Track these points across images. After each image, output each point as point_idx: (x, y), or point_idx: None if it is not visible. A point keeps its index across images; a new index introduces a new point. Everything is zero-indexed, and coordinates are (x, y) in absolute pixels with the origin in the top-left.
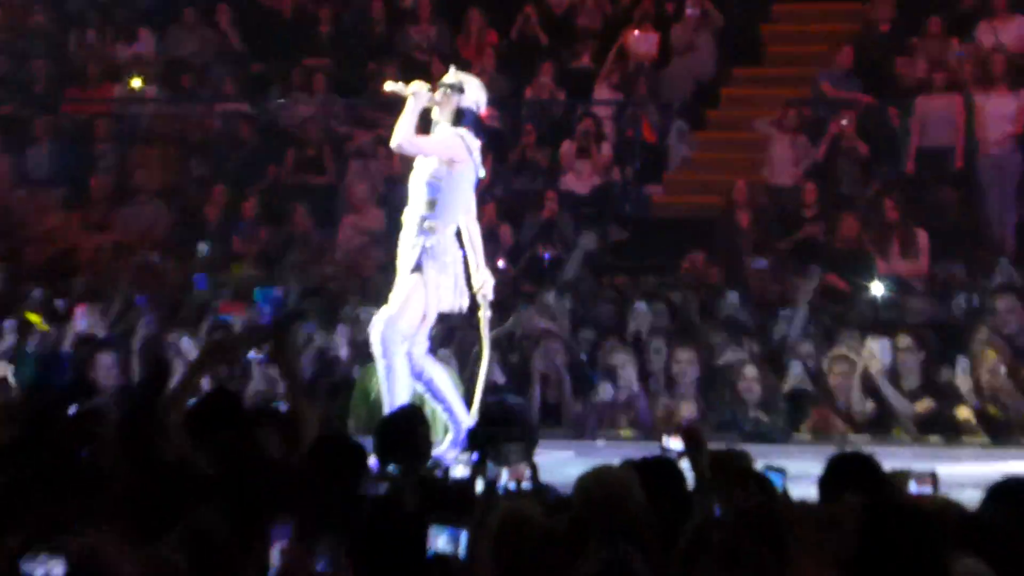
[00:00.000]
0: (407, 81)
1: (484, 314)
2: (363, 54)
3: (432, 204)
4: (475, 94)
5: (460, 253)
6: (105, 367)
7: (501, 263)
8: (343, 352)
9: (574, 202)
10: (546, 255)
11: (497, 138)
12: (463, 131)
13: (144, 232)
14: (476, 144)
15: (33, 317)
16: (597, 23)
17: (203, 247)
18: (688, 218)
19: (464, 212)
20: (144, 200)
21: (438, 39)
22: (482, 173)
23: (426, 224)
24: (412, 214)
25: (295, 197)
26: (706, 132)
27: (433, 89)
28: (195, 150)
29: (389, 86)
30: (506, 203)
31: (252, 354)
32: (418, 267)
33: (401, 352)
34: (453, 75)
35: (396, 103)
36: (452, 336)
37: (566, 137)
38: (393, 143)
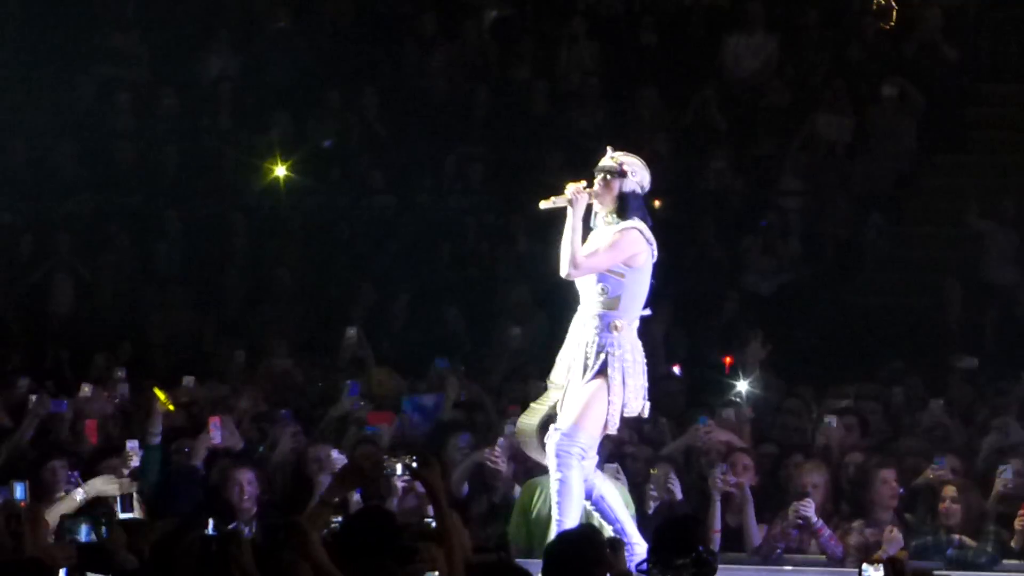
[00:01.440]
0: (568, 176)
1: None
2: (523, 139)
3: (615, 302)
4: (638, 174)
5: (643, 353)
6: (242, 485)
7: (676, 369)
8: (503, 468)
9: (758, 303)
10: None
11: (671, 230)
12: (638, 222)
13: (281, 335)
14: (649, 231)
15: (160, 394)
16: (783, 102)
17: (351, 332)
18: (884, 320)
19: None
20: (282, 299)
21: (606, 121)
22: (652, 259)
23: (612, 324)
24: (588, 312)
25: (448, 297)
26: (905, 226)
27: (590, 185)
28: (339, 246)
29: (544, 204)
30: (681, 303)
31: (398, 469)
32: (602, 371)
33: (578, 467)
34: (610, 157)
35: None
36: (621, 449)
37: (748, 231)
38: (563, 272)
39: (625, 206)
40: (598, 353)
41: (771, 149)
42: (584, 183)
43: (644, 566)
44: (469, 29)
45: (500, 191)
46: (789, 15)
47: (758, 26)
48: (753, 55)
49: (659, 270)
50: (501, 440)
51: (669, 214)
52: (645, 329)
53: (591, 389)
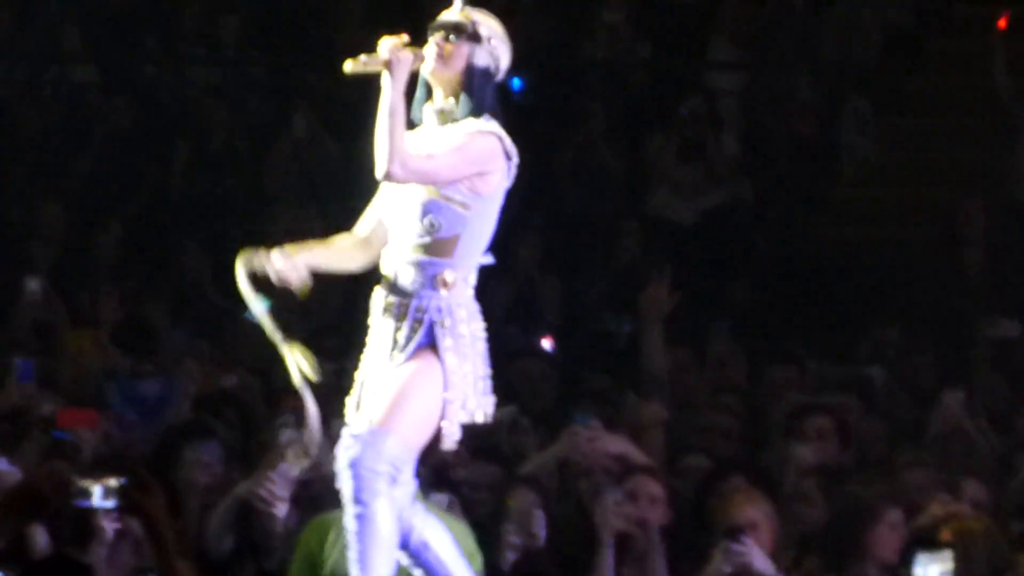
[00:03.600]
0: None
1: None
2: None
3: (448, 245)
4: (496, 45)
5: (482, 323)
6: None
7: (546, 342)
8: (280, 512)
9: (668, 236)
10: (627, 327)
11: (540, 123)
12: (494, 124)
13: None
14: (507, 138)
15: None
16: None
17: (33, 285)
18: (869, 264)
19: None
20: None
21: None
22: (507, 182)
23: (439, 278)
24: (402, 258)
25: (184, 222)
26: (901, 116)
27: (416, 44)
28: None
29: (350, 66)
30: (553, 241)
31: (99, 498)
32: (424, 348)
33: (387, 495)
34: (457, 10)
35: None
36: (449, 471)
37: (658, 126)
38: (380, 170)
39: (473, 88)
40: (416, 321)
41: None
42: (406, 38)
43: None
44: None
45: (268, 58)
46: None
47: None
48: None
49: (520, 189)
50: (282, 465)
51: (534, 100)
52: (488, 285)
53: (406, 375)
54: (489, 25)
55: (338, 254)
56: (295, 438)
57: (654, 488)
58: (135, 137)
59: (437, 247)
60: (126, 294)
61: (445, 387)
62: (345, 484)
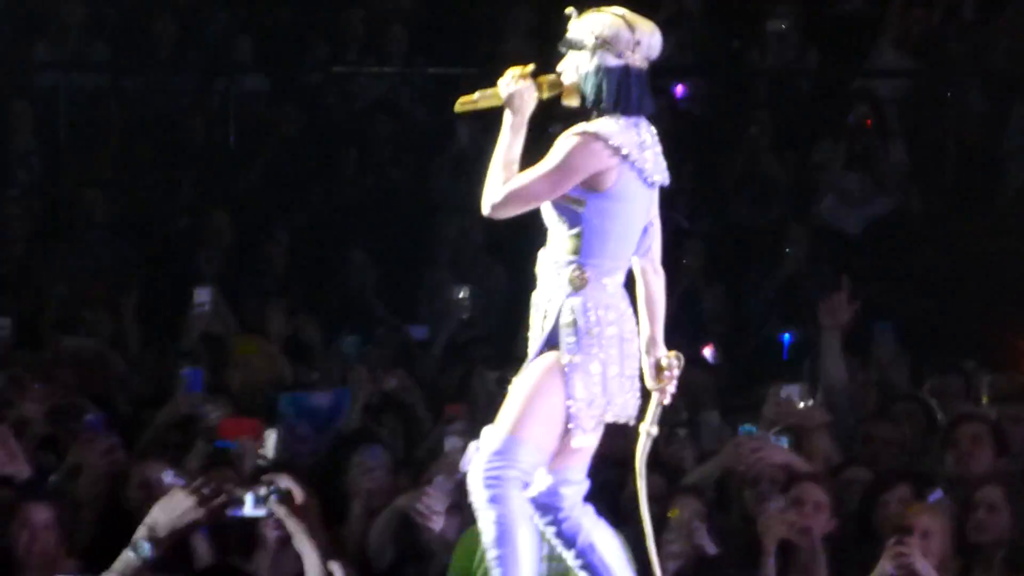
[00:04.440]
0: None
1: (646, 434)
2: None
3: (575, 241)
4: (624, 37)
5: (632, 321)
6: (33, 528)
7: (708, 351)
8: (437, 525)
9: (835, 244)
10: (785, 336)
11: (702, 130)
12: (601, 123)
13: (87, 295)
14: (637, 134)
15: None
16: None
17: (203, 296)
18: None
19: (632, 251)
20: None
21: None
22: (660, 177)
23: (572, 274)
24: (549, 257)
25: (352, 232)
26: None
27: (542, 71)
28: (181, 153)
29: (462, 106)
30: (717, 246)
31: (251, 507)
32: (552, 345)
33: (516, 497)
34: (577, 25)
35: None
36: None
37: (824, 133)
38: (486, 208)
39: (601, 93)
40: (546, 320)
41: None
42: (532, 68)
43: None
44: None
45: (433, 68)
46: None
47: None
48: None
49: (678, 195)
50: (438, 478)
51: (701, 108)
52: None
53: (530, 377)
54: (612, 25)
55: None
56: (460, 446)
57: (818, 495)
58: (302, 147)
59: (565, 245)
60: (294, 303)
61: (567, 388)
62: (474, 492)
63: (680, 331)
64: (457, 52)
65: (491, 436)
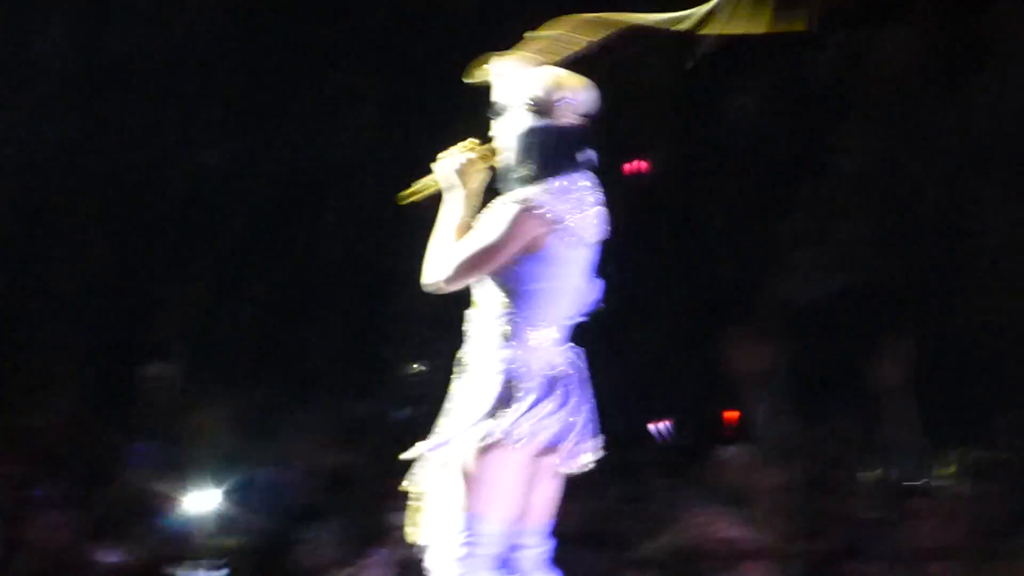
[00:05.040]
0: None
1: None
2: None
3: (509, 296)
4: (551, 96)
5: (573, 375)
6: None
7: (657, 426)
8: None
9: (788, 318)
10: (736, 410)
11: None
12: (530, 192)
13: (45, 368)
14: (573, 194)
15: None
16: None
17: (156, 371)
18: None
19: (573, 308)
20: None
21: None
22: (597, 235)
23: (504, 329)
24: (480, 316)
25: (319, 302)
26: None
27: (481, 149)
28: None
29: (403, 198)
30: (672, 318)
31: None
32: (503, 402)
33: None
34: (503, 87)
35: None
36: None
37: (783, 210)
38: (434, 282)
39: (532, 157)
40: (482, 371)
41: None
42: (470, 142)
43: None
44: None
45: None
46: None
47: None
48: None
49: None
50: (381, 551)
51: (665, 182)
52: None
53: (475, 440)
54: (523, 85)
55: None
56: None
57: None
58: (264, 220)
59: (498, 302)
60: (247, 378)
61: (505, 433)
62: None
63: (628, 407)
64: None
65: (449, 517)
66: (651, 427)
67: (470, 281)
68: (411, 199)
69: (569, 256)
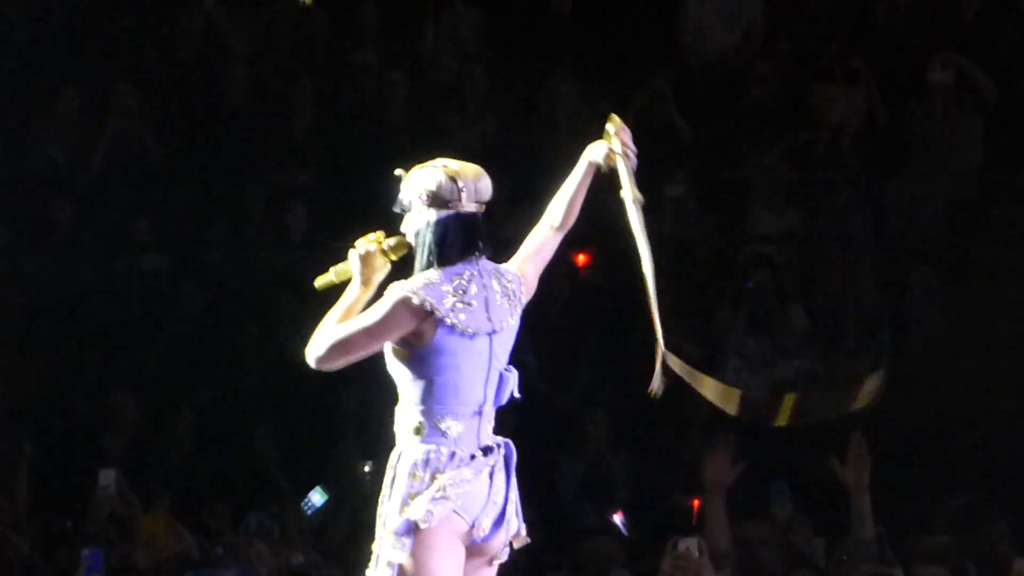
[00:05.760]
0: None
1: (632, 201)
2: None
3: (411, 389)
4: (446, 188)
5: (481, 464)
6: None
7: (616, 518)
8: None
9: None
10: (693, 502)
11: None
12: (418, 279)
13: None
14: (459, 285)
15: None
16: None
17: (108, 478)
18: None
19: (477, 398)
20: None
21: (496, 127)
22: (485, 328)
23: (408, 422)
24: (401, 407)
25: (257, 407)
26: (964, 286)
27: (388, 241)
28: (86, 331)
29: (320, 282)
30: (623, 418)
31: None
32: (415, 491)
33: None
34: (405, 186)
35: None
36: None
37: (726, 296)
38: (310, 360)
39: (424, 248)
40: (393, 462)
41: (751, 168)
42: (379, 234)
43: None
44: None
45: (333, 240)
46: None
47: None
48: (726, 24)
49: (590, 366)
50: None
51: (599, 274)
52: (558, 461)
53: (394, 532)
54: (420, 182)
55: None
56: None
57: None
58: (205, 325)
59: (404, 394)
60: (199, 481)
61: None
62: None
63: (589, 499)
64: (355, 228)
65: None
66: (615, 518)
67: (341, 363)
68: (326, 284)
69: (463, 346)
